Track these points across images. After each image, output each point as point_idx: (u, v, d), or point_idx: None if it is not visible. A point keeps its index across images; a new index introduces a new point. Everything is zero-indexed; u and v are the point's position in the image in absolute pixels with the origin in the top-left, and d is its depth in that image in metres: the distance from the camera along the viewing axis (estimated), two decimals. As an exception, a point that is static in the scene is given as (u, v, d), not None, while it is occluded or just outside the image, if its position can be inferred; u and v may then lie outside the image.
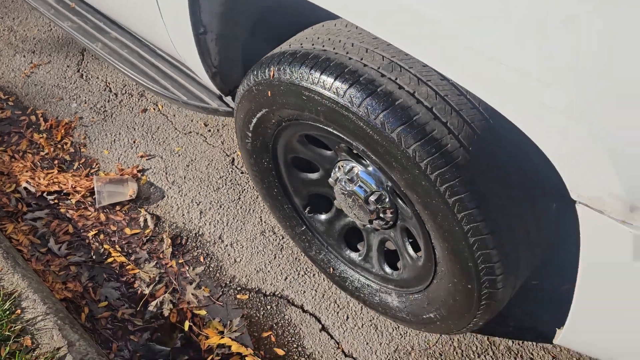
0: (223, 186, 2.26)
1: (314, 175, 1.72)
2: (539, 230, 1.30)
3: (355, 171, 1.54)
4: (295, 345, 1.84)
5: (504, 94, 0.97)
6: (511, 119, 0.99)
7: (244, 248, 2.08)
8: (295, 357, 1.81)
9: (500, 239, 1.22)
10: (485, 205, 1.19)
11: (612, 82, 0.84)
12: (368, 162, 1.48)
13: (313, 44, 1.36)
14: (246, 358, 1.79)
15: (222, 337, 1.84)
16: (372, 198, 1.51)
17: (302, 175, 1.75)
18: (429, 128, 1.17)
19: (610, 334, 1.19)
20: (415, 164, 1.18)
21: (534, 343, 1.81)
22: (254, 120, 1.58)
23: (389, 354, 1.81)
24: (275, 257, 2.05)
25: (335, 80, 1.25)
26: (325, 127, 1.38)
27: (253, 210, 2.18)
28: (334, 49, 1.30)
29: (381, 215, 1.55)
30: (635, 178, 0.87)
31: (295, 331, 1.87)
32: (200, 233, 2.13)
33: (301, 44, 1.39)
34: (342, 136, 1.35)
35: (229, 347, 1.82)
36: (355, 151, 1.49)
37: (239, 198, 2.22)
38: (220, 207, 2.20)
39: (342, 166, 1.57)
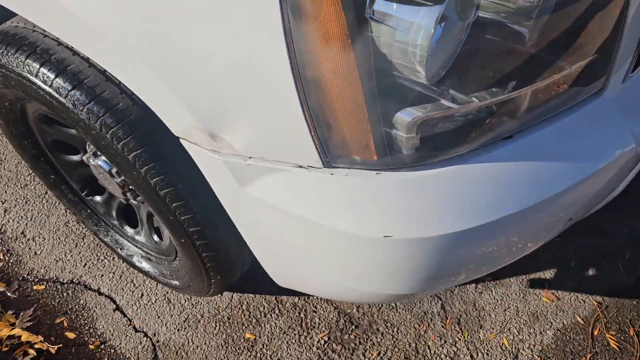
0: (31, 182, 2.25)
1: (76, 157, 1.74)
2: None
3: (98, 146, 1.56)
4: (87, 327, 1.85)
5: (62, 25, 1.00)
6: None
7: (46, 240, 2.08)
8: (86, 338, 1.83)
9: (191, 189, 1.27)
10: (164, 159, 1.23)
11: (145, 9, 0.87)
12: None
13: (13, 22, 1.38)
14: (35, 345, 1.80)
15: (13, 328, 1.84)
16: (115, 170, 1.54)
17: (66, 158, 1.76)
18: (99, 89, 1.21)
19: (281, 265, 1.24)
20: (91, 126, 1.22)
21: (319, 297, 1.88)
22: (-7, 106, 1.58)
23: (179, 324, 1.84)
24: (76, 246, 2.06)
25: (16, 52, 1.27)
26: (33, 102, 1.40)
27: (59, 203, 2.18)
28: (24, 24, 1.33)
29: (131, 187, 1.58)
30: (200, 106, 0.91)
31: (89, 314, 1.89)
32: (2, 231, 2.11)
33: (6, 24, 1.40)
34: (45, 108, 1.38)
35: (19, 337, 1.82)
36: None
37: (46, 192, 2.22)
38: (26, 203, 2.19)
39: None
